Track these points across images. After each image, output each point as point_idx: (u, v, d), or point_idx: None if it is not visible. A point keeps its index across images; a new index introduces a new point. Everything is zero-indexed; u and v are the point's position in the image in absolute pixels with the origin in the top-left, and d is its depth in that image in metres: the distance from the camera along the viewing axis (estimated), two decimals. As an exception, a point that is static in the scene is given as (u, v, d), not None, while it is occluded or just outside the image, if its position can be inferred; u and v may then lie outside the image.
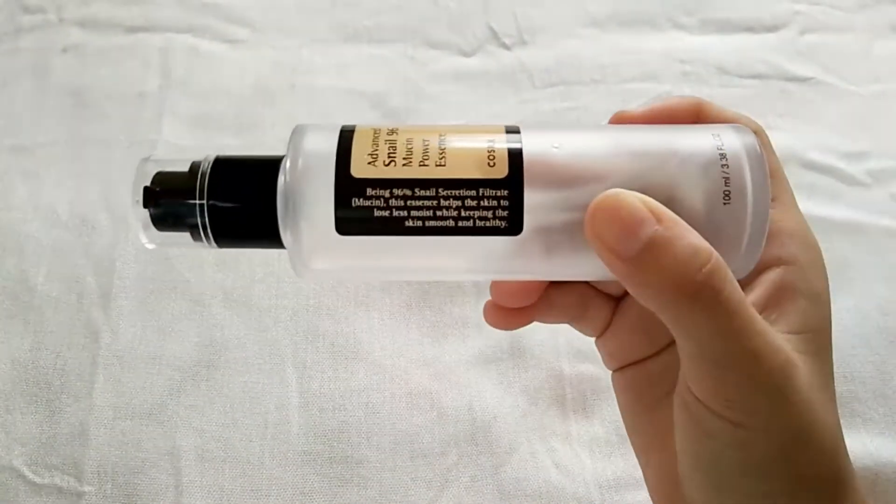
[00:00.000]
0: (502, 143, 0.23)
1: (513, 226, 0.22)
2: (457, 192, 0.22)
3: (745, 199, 0.22)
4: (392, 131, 0.23)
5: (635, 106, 0.26)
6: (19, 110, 0.51)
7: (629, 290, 0.21)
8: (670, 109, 0.25)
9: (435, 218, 0.22)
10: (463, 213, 0.22)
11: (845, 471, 0.23)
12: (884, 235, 0.47)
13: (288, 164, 0.22)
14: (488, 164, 0.22)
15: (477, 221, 0.22)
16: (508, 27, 0.58)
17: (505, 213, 0.22)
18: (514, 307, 0.28)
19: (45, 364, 0.41)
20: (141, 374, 0.41)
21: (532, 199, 0.22)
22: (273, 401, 0.40)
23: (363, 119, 0.51)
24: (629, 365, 0.29)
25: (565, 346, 0.42)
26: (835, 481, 0.23)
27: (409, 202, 0.22)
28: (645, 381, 0.29)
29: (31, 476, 0.38)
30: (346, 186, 0.22)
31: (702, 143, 0.23)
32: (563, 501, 0.38)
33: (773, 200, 0.24)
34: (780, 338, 0.22)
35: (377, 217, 0.22)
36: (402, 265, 0.24)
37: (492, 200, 0.22)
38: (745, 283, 0.23)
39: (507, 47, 0.57)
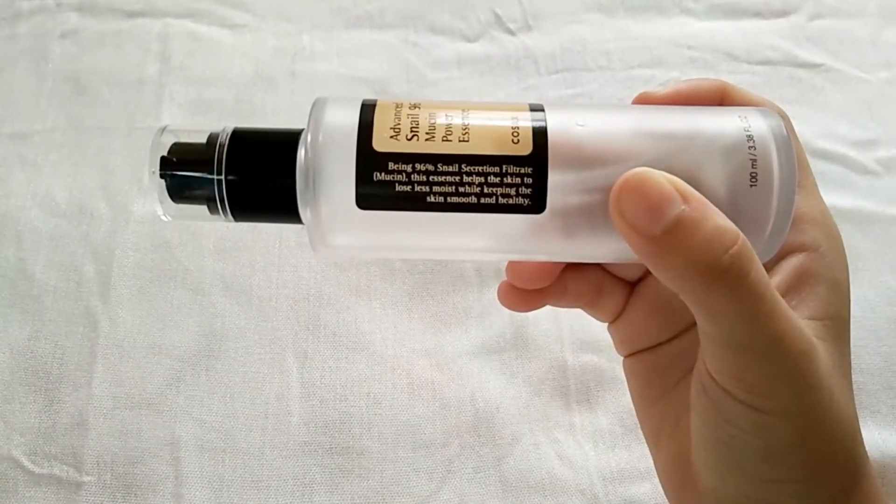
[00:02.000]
0: (526, 121, 0.22)
1: (536, 204, 0.22)
2: (480, 168, 0.22)
3: (771, 182, 0.21)
4: (414, 106, 0.23)
5: (659, 87, 0.25)
6: (17, 97, 0.51)
7: (652, 271, 0.21)
8: (695, 91, 0.25)
9: (457, 194, 0.22)
10: (486, 190, 0.22)
11: (861, 458, 0.23)
12: (893, 224, 0.47)
13: (308, 138, 0.22)
14: (512, 140, 0.22)
15: (500, 199, 0.22)
16: (513, 12, 0.57)
17: (528, 191, 0.22)
18: (528, 289, 0.28)
19: (43, 353, 0.41)
20: (140, 363, 0.41)
21: (555, 177, 0.22)
22: (273, 391, 0.40)
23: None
24: (642, 351, 0.29)
25: (569, 337, 0.42)
26: (851, 468, 0.23)
27: (431, 177, 0.22)
28: (657, 366, 0.28)
29: (30, 466, 0.38)
30: (368, 160, 0.22)
31: (728, 124, 0.22)
32: (567, 493, 0.38)
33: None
34: (802, 323, 0.21)
35: (399, 192, 0.22)
36: (422, 243, 0.24)
37: (515, 178, 0.22)
38: (768, 268, 0.23)
39: (511, 33, 0.56)
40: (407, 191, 0.22)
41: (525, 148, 0.22)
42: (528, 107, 0.23)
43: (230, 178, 0.23)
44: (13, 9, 0.55)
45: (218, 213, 0.23)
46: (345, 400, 0.40)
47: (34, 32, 0.54)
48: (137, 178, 0.47)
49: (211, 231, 0.45)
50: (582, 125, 0.22)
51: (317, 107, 0.23)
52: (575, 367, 0.41)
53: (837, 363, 0.22)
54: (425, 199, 0.22)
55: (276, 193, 0.23)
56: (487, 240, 0.23)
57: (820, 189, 0.47)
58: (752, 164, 0.21)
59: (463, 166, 0.22)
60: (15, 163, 0.48)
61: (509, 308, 0.29)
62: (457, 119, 0.22)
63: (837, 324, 0.23)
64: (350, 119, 0.22)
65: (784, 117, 0.24)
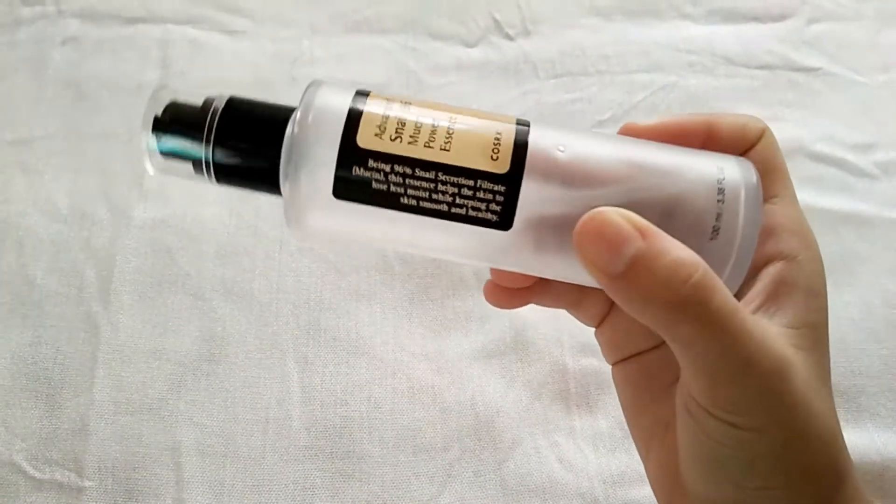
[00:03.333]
0: (509, 137, 0.22)
1: (503, 221, 0.22)
2: (455, 179, 0.22)
3: (733, 238, 0.22)
4: (406, 103, 0.23)
5: (645, 119, 0.25)
6: (18, 103, 0.51)
7: (621, 305, 0.21)
8: (680, 127, 0.25)
9: (430, 200, 0.22)
10: (458, 201, 0.22)
11: (843, 461, 0.23)
12: (891, 228, 0.47)
13: (298, 116, 0.23)
14: (492, 156, 0.22)
15: (470, 210, 0.22)
16: (512, 17, 0.57)
17: (498, 208, 0.22)
18: (511, 287, 0.29)
19: (44, 359, 0.41)
20: (141, 368, 0.41)
21: (527, 197, 0.22)
22: (274, 396, 0.40)
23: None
24: (629, 358, 0.29)
25: (569, 340, 0.42)
26: (833, 472, 0.23)
27: (407, 180, 0.22)
28: (645, 373, 0.29)
29: (31, 471, 0.38)
30: (350, 153, 0.22)
31: (704, 173, 0.23)
32: (567, 496, 0.38)
33: (775, 197, 0.24)
34: (776, 336, 0.22)
35: (375, 189, 0.22)
36: (393, 237, 0.24)
37: (487, 193, 0.22)
38: (747, 277, 0.23)
39: (510, 38, 0.56)
40: (382, 189, 0.22)
41: (503, 165, 0.22)
42: (515, 121, 0.23)
43: (217, 141, 0.24)
44: (14, 15, 0.55)
45: (202, 174, 0.24)
46: (345, 404, 0.40)
47: (35, 39, 0.54)
48: (138, 184, 0.47)
49: (212, 236, 0.45)
50: (563, 150, 0.23)
51: (311, 87, 0.23)
52: (575, 370, 0.41)
53: (816, 371, 0.22)
54: (399, 199, 0.22)
55: (260, 164, 0.24)
56: (456, 245, 0.24)
57: (818, 192, 0.48)
58: (717, 218, 0.22)
59: (439, 174, 0.22)
60: (16, 169, 0.48)
61: (494, 305, 0.29)
62: (443, 123, 0.23)
63: (816, 331, 0.23)
64: (340, 107, 0.23)
65: (766, 131, 0.25)
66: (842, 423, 0.39)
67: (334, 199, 0.22)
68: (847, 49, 0.56)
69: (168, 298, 0.43)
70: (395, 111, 0.23)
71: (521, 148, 0.22)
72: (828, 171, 0.49)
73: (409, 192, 0.22)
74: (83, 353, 0.41)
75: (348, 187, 0.22)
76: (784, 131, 0.51)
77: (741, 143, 0.25)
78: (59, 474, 0.38)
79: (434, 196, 0.22)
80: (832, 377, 0.42)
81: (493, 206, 0.22)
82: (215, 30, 0.55)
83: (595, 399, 0.41)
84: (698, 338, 0.20)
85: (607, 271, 0.20)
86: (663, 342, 0.28)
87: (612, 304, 0.29)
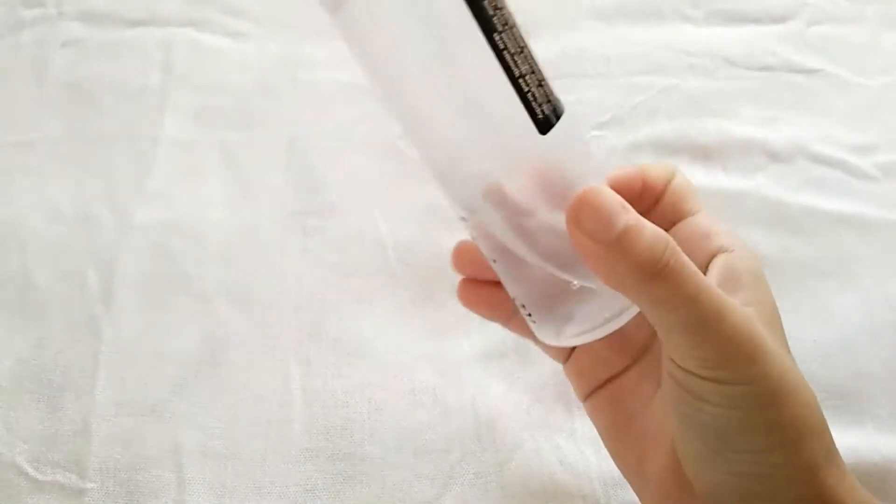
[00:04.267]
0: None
1: (546, 123, 0.23)
2: (534, 64, 0.22)
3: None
4: None
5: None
6: (19, 106, 0.51)
7: (604, 277, 0.23)
8: (620, 179, 0.28)
9: (511, 52, 0.22)
10: (528, 78, 0.22)
11: (826, 424, 0.25)
12: (893, 230, 0.47)
13: None
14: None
15: (531, 93, 0.22)
16: (512, 19, 0.57)
17: (549, 111, 0.23)
18: (469, 277, 0.31)
19: (47, 361, 0.41)
20: (143, 370, 0.41)
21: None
22: (276, 398, 0.40)
23: (366, 112, 0.51)
24: (602, 385, 0.30)
25: (570, 342, 0.42)
26: (823, 429, 0.24)
27: (507, 18, 0.22)
28: (621, 396, 0.29)
29: (33, 473, 0.38)
30: None
31: None
32: (569, 499, 0.38)
33: (699, 212, 0.28)
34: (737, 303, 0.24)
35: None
36: (433, 73, 0.23)
37: (548, 91, 0.23)
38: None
39: (511, 40, 0.56)
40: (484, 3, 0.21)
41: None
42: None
43: None
44: (15, 18, 0.55)
45: None
46: (347, 406, 0.40)
47: (36, 41, 0.54)
48: (140, 186, 0.47)
49: (214, 238, 0.45)
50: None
51: None
52: (576, 372, 0.41)
53: (780, 341, 0.25)
54: (492, 25, 0.21)
55: None
56: (476, 128, 0.23)
57: (819, 194, 0.48)
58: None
59: (527, 49, 0.22)
60: (18, 171, 0.48)
61: (465, 305, 0.31)
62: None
63: (767, 307, 0.26)
64: None
65: (675, 170, 0.29)
66: (843, 426, 0.39)
67: None
68: (848, 51, 0.56)
69: (170, 300, 0.43)
70: None
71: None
72: (828, 173, 0.49)
73: (504, 29, 0.21)
74: (85, 354, 0.41)
75: None
76: (785, 133, 0.51)
77: (665, 179, 0.29)
78: (61, 476, 0.38)
79: (516, 53, 0.22)
80: (832, 378, 0.43)
81: (546, 107, 0.22)
82: (218, 32, 0.55)
83: (596, 401, 0.41)
84: (677, 295, 0.23)
85: (602, 238, 0.22)
86: (633, 362, 0.29)
87: None
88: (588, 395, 0.31)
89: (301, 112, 0.52)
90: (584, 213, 0.23)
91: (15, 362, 0.41)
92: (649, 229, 0.23)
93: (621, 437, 0.30)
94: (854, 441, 0.39)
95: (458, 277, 0.44)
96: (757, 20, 0.58)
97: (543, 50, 0.55)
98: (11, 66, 0.53)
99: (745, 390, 0.23)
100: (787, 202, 0.48)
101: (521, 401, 0.41)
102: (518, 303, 0.27)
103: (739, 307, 0.23)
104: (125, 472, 0.38)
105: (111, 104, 0.51)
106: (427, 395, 0.40)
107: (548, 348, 0.31)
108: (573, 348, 0.31)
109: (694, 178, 0.48)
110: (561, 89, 0.24)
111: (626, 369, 0.30)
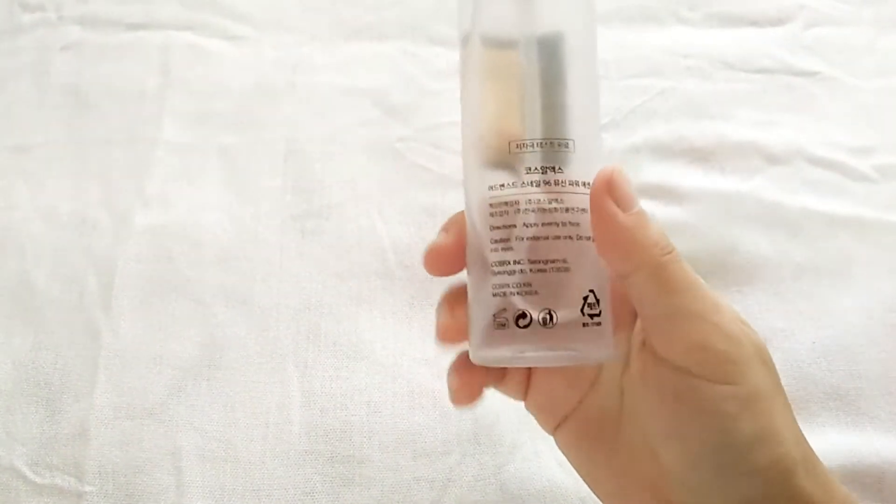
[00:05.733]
0: None
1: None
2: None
3: None
4: None
5: None
6: (19, 109, 0.51)
7: (623, 248, 0.24)
8: None
9: None
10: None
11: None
12: (890, 231, 0.47)
13: None
14: None
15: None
16: (510, 23, 0.57)
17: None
18: (439, 275, 0.31)
19: (45, 364, 0.41)
20: (142, 373, 0.41)
21: None
22: (274, 400, 0.40)
23: (363, 116, 0.51)
24: (567, 418, 0.30)
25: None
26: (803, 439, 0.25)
27: None
28: (590, 421, 0.29)
29: (31, 476, 0.38)
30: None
31: None
32: (567, 500, 0.38)
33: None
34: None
35: None
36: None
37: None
38: None
39: (509, 43, 0.56)
40: None
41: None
42: None
43: None
44: (14, 22, 0.55)
45: None
46: (345, 409, 0.40)
47: (35, 45, 0.54)
48: (139, 190, 0.47)
49: (212, 242, 0.45)
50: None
51: None
52: (574, 374, 0.41)
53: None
54: None
55: None
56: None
57: (817, 196, 0.48)
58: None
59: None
60: (17, 175, 0.48)
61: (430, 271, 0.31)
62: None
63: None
64: None
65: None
66: (841, 426, 0.39)
67: None
68: (845, 53, 0.56)
69: (169, 304, 0.43)
70: None
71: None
72: (826, 175, 0.49)
73: None
74: (84, 358, 0.41)
75: None
76: (782, 135, 0.51)
77: None
78: (60, 479, 0.38)
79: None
80: (831, 379, 0.42)
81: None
82: (216, 36, 0.55)
83: (595, 403, 0.41)
84: (681, 280, 0.24)
85: (627, 206, 0.24)
86: (589, 391, 0.29)
87: (529, 373, 0.30)
88: (555, 429, 0.30)
89: (299, 115, 0.52)
90: (615, 181, 0.24)
91: (14, 365, 0.41)
92: (657, 223, 0.25)
93: (598, 468, 0.29)
94: (852, 443, 0.39)
95: (456, 280, 0.44)
96: (754, 23, 0.58)
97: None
98: (11, 69, 0.53)
99: (736, 390, 0.24)
100: (785, 204, 0.48)
101: (520, 403, 0.40)
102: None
103: (731, 306, 0.25)
104: (124, 475, 0.38)
105: (110, 108, 0.51)
106: (426, 397, 0.40)
107: (506, 389, 0.31)
108: (527, 383, 0.30)
109: (692, 180, 0.49)
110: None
111: (583, 400, 0.29)
